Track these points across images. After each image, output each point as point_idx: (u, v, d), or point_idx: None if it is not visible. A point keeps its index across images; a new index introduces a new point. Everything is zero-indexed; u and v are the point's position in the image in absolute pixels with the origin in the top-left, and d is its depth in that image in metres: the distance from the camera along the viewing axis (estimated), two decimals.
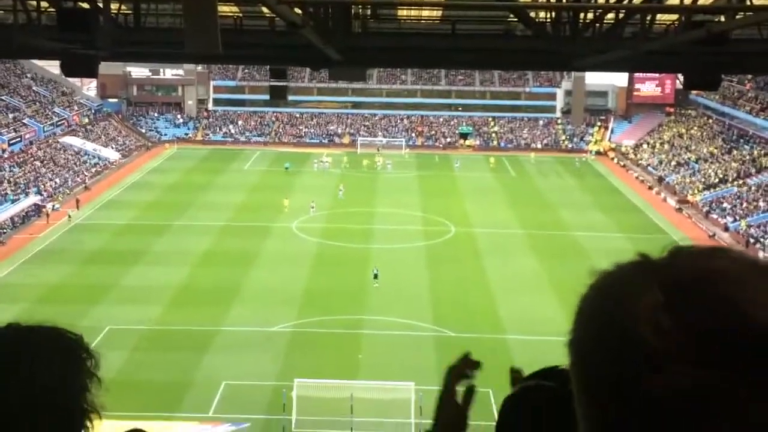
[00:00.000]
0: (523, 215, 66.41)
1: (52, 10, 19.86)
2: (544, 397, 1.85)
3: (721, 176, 76.16)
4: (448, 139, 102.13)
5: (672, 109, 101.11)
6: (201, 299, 45.61)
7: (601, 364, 1.09)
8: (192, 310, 44.04)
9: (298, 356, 38.37)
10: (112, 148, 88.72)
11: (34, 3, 20.72)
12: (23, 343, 1.66)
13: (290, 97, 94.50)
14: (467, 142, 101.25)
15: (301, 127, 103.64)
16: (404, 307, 44.78)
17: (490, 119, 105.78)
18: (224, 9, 22.89)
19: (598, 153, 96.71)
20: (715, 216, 67.67)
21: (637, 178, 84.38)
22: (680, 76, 20.51)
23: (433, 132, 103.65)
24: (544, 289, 48.48)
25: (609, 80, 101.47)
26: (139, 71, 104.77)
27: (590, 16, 18.01)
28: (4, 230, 58.90)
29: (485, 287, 48.81)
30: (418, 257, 54.81)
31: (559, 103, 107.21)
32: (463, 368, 1.99)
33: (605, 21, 18.57)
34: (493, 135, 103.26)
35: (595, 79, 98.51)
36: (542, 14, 19.46)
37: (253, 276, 50.01)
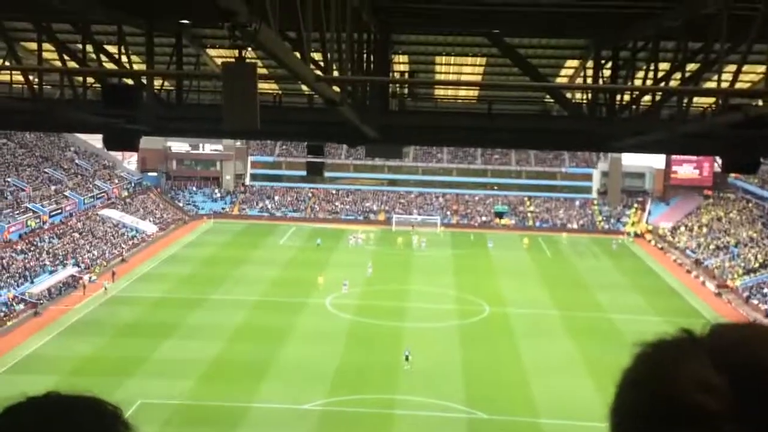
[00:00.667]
0: (558, 296, 65.73)
1: (98, 86, 20.35)
2: None
3: (761, 261, 74.98)
4: (484, 218, 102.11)
5: (710, 192, 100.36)
6: (233, 374, 45.35)
7: (649, 427, 1.08)
8: (224, 384, 43.77)
9: None
10: (150, 221, 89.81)
11: (80, 79, 21.26)
12: (65, 412, 1.59)
13: (327, 174, 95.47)
14: (503, 221, 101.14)
15: (336, 204, 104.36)
16: (437, 388, 44.13)
17: (525, 198, 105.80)
18: (264, 86, 23.33)
19: (635, 235, 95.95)
20: (755, 301, 66.39)
21: (674, 261, 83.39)
22: (718, 159, 20.39)
23: (468, 210, 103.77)
24: (579, 372, 47.59)
25: (646, 162, 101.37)
26: (178, 146, 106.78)
27: (627, 97, 18.05)
28: (41, 301, 59.41)
29: (519, 368, 48.04)
30: (451, 336, 54.24)
31: (596, 183, 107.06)
32: None
33: (642, 103, 18.60)
34: (529, 214, 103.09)
35: (632, 160, 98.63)
36: (579, 95, 19.55)
37: (286, 352, 49.73)
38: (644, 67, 17.81)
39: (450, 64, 22.16)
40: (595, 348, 52.00)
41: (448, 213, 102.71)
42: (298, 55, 10.82)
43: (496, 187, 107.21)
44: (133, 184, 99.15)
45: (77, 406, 1.59)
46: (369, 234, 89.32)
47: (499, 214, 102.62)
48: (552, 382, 45.54)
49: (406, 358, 46.92)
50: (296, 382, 44.45)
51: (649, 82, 18.02)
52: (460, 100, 24.61)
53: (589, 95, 18.36)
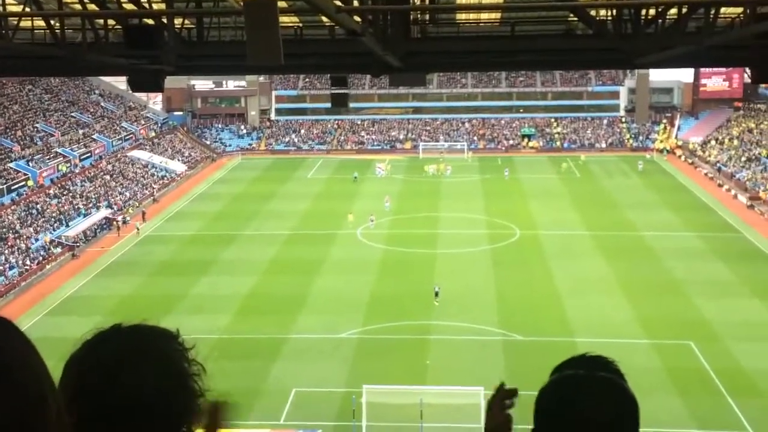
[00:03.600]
0: (588, 216, 65.62)
1: (119, 27, 20.34)
2: (576, 382, 1.99)
3: None
4: (511, 142, 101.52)
5: (740, 104, 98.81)
6: (268, 308, 46.08)
7: None
8: (260, 318, 44.53)
9: (366, 363, 38.48)
10: (179, 160, 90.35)
11: (101, 21, 21.25)
12: (149, 336, 1.92)
13: (351, 105, 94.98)
14: (530, 144, 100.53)
15: (362, 134, 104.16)
16: (471, 312, 44.57)
17: (552, 120, 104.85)
18: (285, 20, 23.16)
19: (664, 151, 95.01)
20: None
21: (705, 175, 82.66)
22: (748, 70, 20.03)
23: (495, 134, 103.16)
24: (612, 291, 47.81)
25: (674, 76, 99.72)
26: (202, 84, 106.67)
27: (652, 12, 17.75)
28: (78, 244, 60.39)
29: (552, 290, 48.32)
30: (483, 261, 54.53)
31: (623, 101, 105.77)
32: (502, 399, 2.10)
33: (668, 16, 18.28)
34: (556, 136, 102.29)
35: (659, 75, 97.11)
36: (603, 12, 19.24)
37: (319, 284, 50.34)
38: None
39: None
40: (627, 266, 52.12)
41: (475, 138, 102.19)
42: None
43: (522, 110, 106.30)
44: (159, 125, 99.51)
45: (155, 331, 1.93)
46: (394, 163, 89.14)
47: (526, 137, 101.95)
48: (585, 302, 45.82)
49: (436, 294, 46.37)
50: (331, 312, 45.11)
51: None
52: (482, 24, 24.31)
53: (614, 12, 18.06)
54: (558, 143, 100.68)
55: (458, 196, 74.24)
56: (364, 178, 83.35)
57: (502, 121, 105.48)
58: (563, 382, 2.01)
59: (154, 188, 78.83)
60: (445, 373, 36.69)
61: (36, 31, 24.27)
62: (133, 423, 1.76)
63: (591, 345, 39.19)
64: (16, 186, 65.62)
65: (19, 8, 20.90)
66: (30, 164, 69.88)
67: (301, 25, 23.28)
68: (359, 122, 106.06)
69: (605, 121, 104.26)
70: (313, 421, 33.39)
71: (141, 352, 1.84)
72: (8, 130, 74.67)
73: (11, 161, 68.91)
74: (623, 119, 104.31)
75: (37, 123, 79.78)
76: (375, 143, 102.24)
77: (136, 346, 1.85)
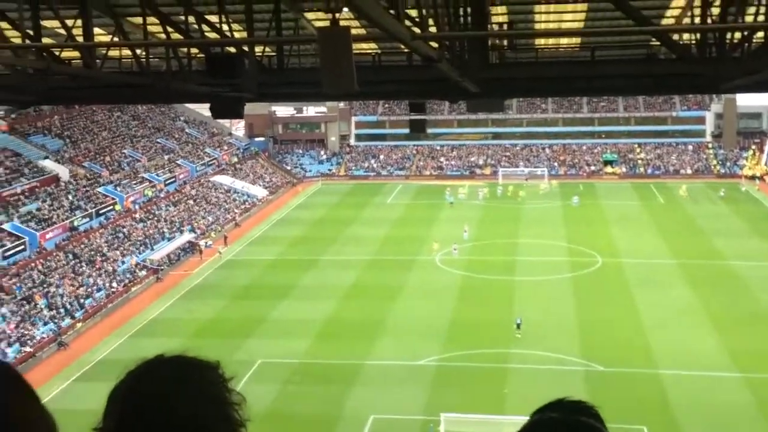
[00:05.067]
0: (674, 244, 64.04)
1: (202, 56, 20.78)
2: (555, 424, 1.92)
3: None
4: (592, 168, 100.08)
5: None
6: (348, 332, 46.19)
7: None
8: (339, 343, 44.64)
9: (444, 390, 38.16)
10: (260, 185, 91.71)
11: (185, 50, 21.75)
12: (191, 368, 1.89)
13: (430, 130, 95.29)
14: (612, 170, 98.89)
15: (441, 160, 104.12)
16: (551, 341, 43.84)
17: (635, 146, 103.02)
18: (363, 46, 23.34)
19: (755, 179, 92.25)
20: None
21: None
22: None
23: (575, 160, 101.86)
24: (700, 321, 46.46)
25: (763, 101, 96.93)
26: (283, 110, 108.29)
27: (738, 35, 17.26)
28: (162, 267, 61.71)
29: (636, 320, 47.19)
30: (564, 289, 53.67)
31: (709, 126, 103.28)
32: None
33: (754, 40, 17.76)
34: (639, 161, 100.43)
35: (747, 100, 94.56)
36: (686, 36, 18.81)
37: (398, 309, 50.26)
38: (755, 2, 16.98)
39: (550, 12, 21.64)
40: (715, 296, 50.64)
41: (555, 164, 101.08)
42: (393, 12, 10.75)
43: (603, 135, 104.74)
44: (241, 150, 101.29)
45: (197, 361, 1.91)
46: (475, 189, 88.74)
47: (608, 163, 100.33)
48: (671, 332, 44.62)
49: (518, 326, 45.25)
50: (409, 338, 44.94)
51: (761, 18, 17.18)
52: (561, 49, 24.05)
53: (698, 35, 17.62)
54: (642, 169, 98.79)
55: (538, 222, 73.41)
56: (442, 204, 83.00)
57: (584, 147, 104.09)
58: (543, 424, 1.94)
59: (236, 213, 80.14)
60: (524, 402, 35.95)
61: (123, 60, 24.98)
62: None
63: (676, 377, 38.14)
64: (104, 210, 67.52)
65: (107, 38, 21.56)
66: (117, 189, 71.86)
67: (379, 51, 23.42)
68: (438, 147, 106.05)
69: (691, 147, 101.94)
70: None
71: (184, 381, 1.86)
72: (97, 156, 77.03)
73: (100, 186, 70.99)
74: (710, 145, 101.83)
75: (125, 149, 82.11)
76: (454, 169, 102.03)
77: (179, 375, 1.87)
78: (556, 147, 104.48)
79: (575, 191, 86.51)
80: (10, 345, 45.09)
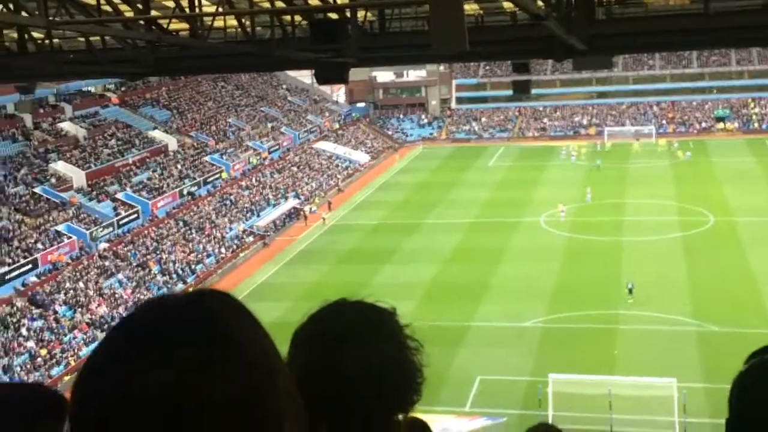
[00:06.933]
0: None
1: (305, 23, 20.93)
2: None
3: None
4: (703, 124, 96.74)
5: None
6: (452, 295, 46.25)
7: None
8: (444, 305, 44.77)
9: (551, 351, 37.87)
10: (362, 150, 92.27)
11: (289, 18, 21.95)
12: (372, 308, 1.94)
13: (533, 91, 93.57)
14: (725, 126, 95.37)
15: (544, 120, 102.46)
16: (661, 301, 42.91)
17: (749, 100, 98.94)
18: (465, 7, 23.08)
19: None
20: None
21: None
22: None
23: (685, 117, 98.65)
24: None
25: None
26: (384, 75, 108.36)
27: None
28: (268, 233, 63.00)
29: (751, 279, 45.69)
30: (674, 249, 52.34)
31: None
32: None
33: None
34: (754, 116, 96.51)
35: None
36: None
37: (503, 271, 50.02)
38: None
39: None
40: None
41: (663, 122, 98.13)
42: None
43: (715, 91, 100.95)
44: (343, 116, 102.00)
45: (377, 306, 1.96)
46: (581, 149, 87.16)
47: (720, 119, 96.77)
48: None
49: (630, 291, 43.97)
50: (515, 300, 44.72)
51: None
52: (672, 1, 23.21)
53: None
54: (756, 124, 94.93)
55: (647, 181, 71.57)
56: (547, 165, 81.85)
57: (694, 103, 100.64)
58: (762, 368, 1.81)
59: (338, 178, 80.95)
60: (635, 364, 35.49)
61: (228, 30, 25.40)
62: (360, 391, 1.79)
63: None
64: (212, 178, 69.24)
65: (213, 8, 21.93)
66: (223, 157, 73.51)
67: (482, 12, 23.12)
68: (541, 108, 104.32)
69: None
70: (498, 409, 33.24)
71: (366, 323, 1.88)
72: (203, 126, 78.88)
73: (207, 155, 72.76)
74: None
75: (230, 118, 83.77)
76: (558, 129, 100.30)
77: (361, 318, 1.90)
78: (664, 104, 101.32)
79: (686, 148, 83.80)
80: (127, 310, 46.93)
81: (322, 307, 1.92)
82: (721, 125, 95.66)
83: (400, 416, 1.91)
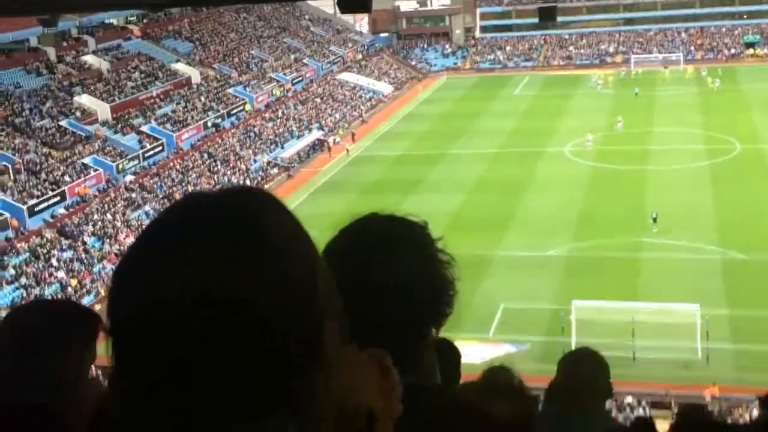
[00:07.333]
0: None
1: None
2: None
3: None
4: (732, 51, 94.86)
5: None
6: (477, 224, 46.25)
7: None
8: (468, 235, 44.63)
9: (575, 280, 37.94)
10: (385, 81, 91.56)
11: None
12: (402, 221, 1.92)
13: (559, 18, 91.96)
14: (755, 52, 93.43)
15: (570, 49, 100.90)
16: (686, 229, 42.72)
17: None
18: None
19: None
20: None
21: None
22: None
23: (714, 43, 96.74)
24: None
25: None
26: (407, 4, 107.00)
27: None
28: (292, 164, 63.09)
29: None
30: (700, 177, 51.91)
31: None
32: None
33: None
34: None
35: None
36: None
37: (527, 201, 49.93)
38: None
39: None
40: None
41: (692, 48, 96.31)
42: None
43: (745, 16, 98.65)
44: (366, 47, 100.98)
45: (408, 220, 1.93)
46: (607, 77, 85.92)
47: (750, 45, 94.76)
48: None
49: (654, 220, 43.58)
50: (539, 229, 44.70)
51: None
52: None
53: None
54: None
55: (674, 109, 70.55)
56: (573, 94, 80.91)
57: (723, 29, 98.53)
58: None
59: (362, 109, 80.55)
60: (659, 291, 35.53)
61: None
62: (388, 305, 1.77)
63: None
64: (236, 110, 69.15)
65: None
66: (247, 89, 73.26)
67: None
68: (567, 36, 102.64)
69: None
70: (522, 336, 33.56)
71: (394, 237, 1.86)
72: (226, 57, 78.49)
73: (230, 87, 72.54)
74: None
75: (252, 50, 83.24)
76: (583, 58, 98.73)
77: (390, 231, 1.87)
78: (692, 30, 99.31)
79: (714, 75, 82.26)
80: None
81: (352, 221, 1.92)
82: (750, 51, 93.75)
83: (434, 331, 1.90)
